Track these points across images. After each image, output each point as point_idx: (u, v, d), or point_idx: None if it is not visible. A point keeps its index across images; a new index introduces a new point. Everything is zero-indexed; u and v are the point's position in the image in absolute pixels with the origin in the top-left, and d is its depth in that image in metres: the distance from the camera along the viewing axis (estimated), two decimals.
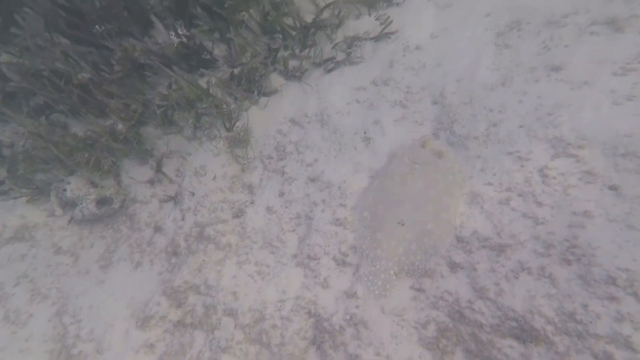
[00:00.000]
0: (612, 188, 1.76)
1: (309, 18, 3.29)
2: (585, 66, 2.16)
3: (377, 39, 3.13)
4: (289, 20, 3.27)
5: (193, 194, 3.07)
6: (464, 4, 2.97)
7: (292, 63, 3.29)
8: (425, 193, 2.22)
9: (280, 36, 3.22)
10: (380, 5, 3.24)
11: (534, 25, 2.50)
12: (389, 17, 3.12)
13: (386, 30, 3.09)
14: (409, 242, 2.16)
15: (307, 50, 3.26)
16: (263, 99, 3.29)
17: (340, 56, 3.20)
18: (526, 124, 2.17)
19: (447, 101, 2.59)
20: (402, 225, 2.18)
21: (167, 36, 3.12)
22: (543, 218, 1.87)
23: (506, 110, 2.29)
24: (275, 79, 3.34)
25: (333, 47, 3.23)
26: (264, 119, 3.28)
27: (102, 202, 3.05)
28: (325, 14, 3.27)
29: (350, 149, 2.76)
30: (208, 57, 3.30)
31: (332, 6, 3.22)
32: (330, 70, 3.21)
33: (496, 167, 2.15)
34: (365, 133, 2.78)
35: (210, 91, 3.23)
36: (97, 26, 3.13)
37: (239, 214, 2.82)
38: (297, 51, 3.30)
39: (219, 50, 3.32)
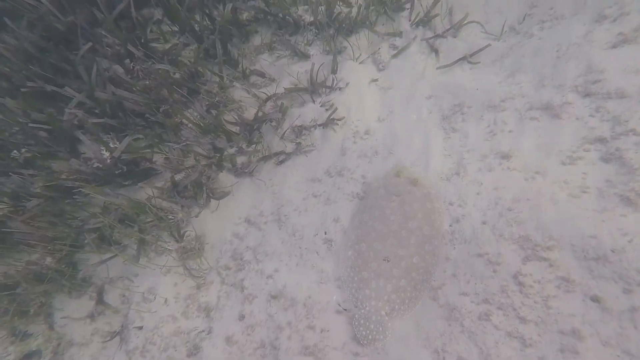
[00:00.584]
0: (594, 300, 1.60)
1: (251, 112, 3.16)
2: (533, 154, 2.12)
3: (325, 125, 3.03)
4: (230, 117, 3.11)
5: (141, 328, 2.63)
6: (404, 85, 2.97)
7: (241, 159, 3.09)
8: (406, 226, 2.15)
9: (223, 135, 3.03)
10: (323, 91, 3.18)
11: (475, 109, 2.48)
12: (333, 104, 3.06)
13: (333, 116, 3.01)
14: (397, 279, 2.07)
15: (254, 145, 3.08)
16: (214, 201, 3.01)
17: (290, 147, 3.05)
18: (489, 220, 2.04)
19: None
20: (388, 261, 2.10)
21: (97, 152, 2.82)
22: (530, 339, 1.67)
23: (466, 204, 2.17)
24: (225, 178, 3.10)
25: (281, 138, 3.07)
26: (218, 222, 2.99)
27: (26, 359, 2.52)
28: (268, 106, 3.16)
29: (312, 254, 2.50)
30: (148, 165, 3.02)
31: (274, 98, 3.12)
32: (281, 162, 3.03)
33: (468, 272, 1.97)
34: (325, 234, 2.55)
35: (153, 202, 2.92)
36: (14, 151, 2.79)
37: (194, 350, 2.41)
38: (244, 146, 3.11)
39: (159, 157, 3.06)
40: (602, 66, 2.13)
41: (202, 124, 2.98)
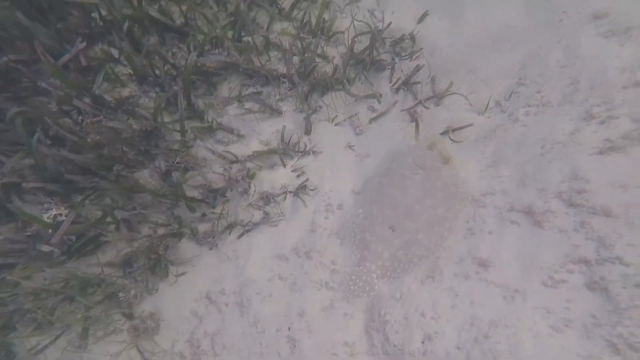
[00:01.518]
0: None
1: (215, 175, 2.81)
2: (513, 266, 1.91)
3: (295, 193, 2.74)
4: (194, 180, 2.77)
5: None
6: (381, 156, 2.69)
7: (203, 227, 2.76)
8: (422, 201, 2.11)
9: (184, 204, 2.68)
10: (295, 154, 2.87)
11: None
12: (304, 171, 2.76)
13: (305, 184, 2.72)
14: (396, 249, 2.08)
15: (219, 213, 2.74)
16: (172, 275, 2.68)
17: (257, 215, 2.74)
18: (463, 345, 1.82)
19: (376, 292, 2.20)
20: (393, 231, 2.09)
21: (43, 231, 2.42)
22: None
23: (439, 317, 1.94)
24: (186, 246, 2.76)
25: (248, 206, 2.76)
26: (176, 296, 2.66)
27: None
28: (235, 169, 2.82)
29: (273, 355, 2.23)
30: (98, 232, 2.64)
31: (240, 163, 2.79)
32: (248, 232, 2.72)
33: None
34: (289, 329, 2.28)
35: (102, 277, 2.56)
36: None
37: None
38: (206, 212, 2.78)
39: (111, 226, 2.68)
40: (588, 175, 1.92)
41: (159, 192, 2.62)
